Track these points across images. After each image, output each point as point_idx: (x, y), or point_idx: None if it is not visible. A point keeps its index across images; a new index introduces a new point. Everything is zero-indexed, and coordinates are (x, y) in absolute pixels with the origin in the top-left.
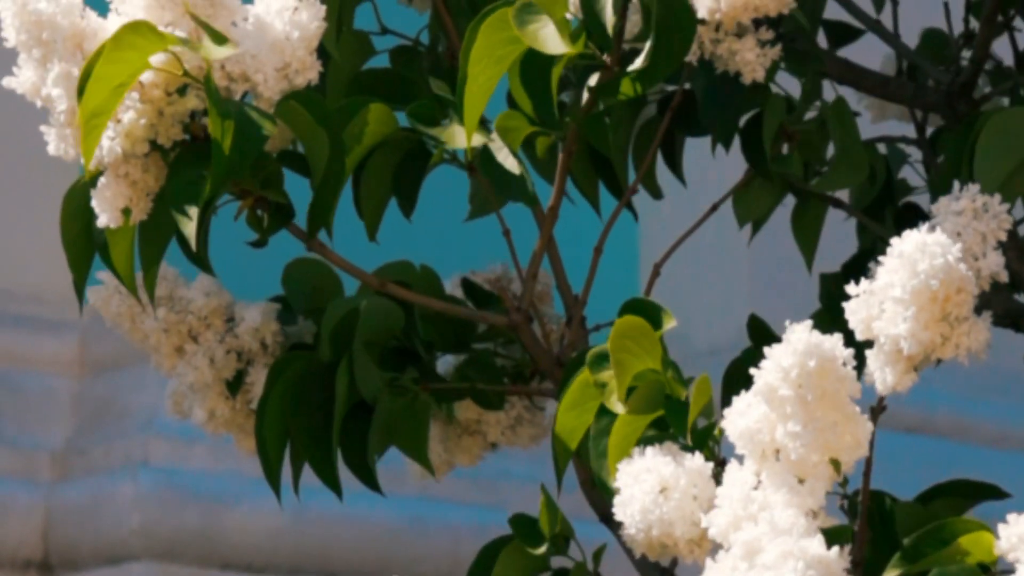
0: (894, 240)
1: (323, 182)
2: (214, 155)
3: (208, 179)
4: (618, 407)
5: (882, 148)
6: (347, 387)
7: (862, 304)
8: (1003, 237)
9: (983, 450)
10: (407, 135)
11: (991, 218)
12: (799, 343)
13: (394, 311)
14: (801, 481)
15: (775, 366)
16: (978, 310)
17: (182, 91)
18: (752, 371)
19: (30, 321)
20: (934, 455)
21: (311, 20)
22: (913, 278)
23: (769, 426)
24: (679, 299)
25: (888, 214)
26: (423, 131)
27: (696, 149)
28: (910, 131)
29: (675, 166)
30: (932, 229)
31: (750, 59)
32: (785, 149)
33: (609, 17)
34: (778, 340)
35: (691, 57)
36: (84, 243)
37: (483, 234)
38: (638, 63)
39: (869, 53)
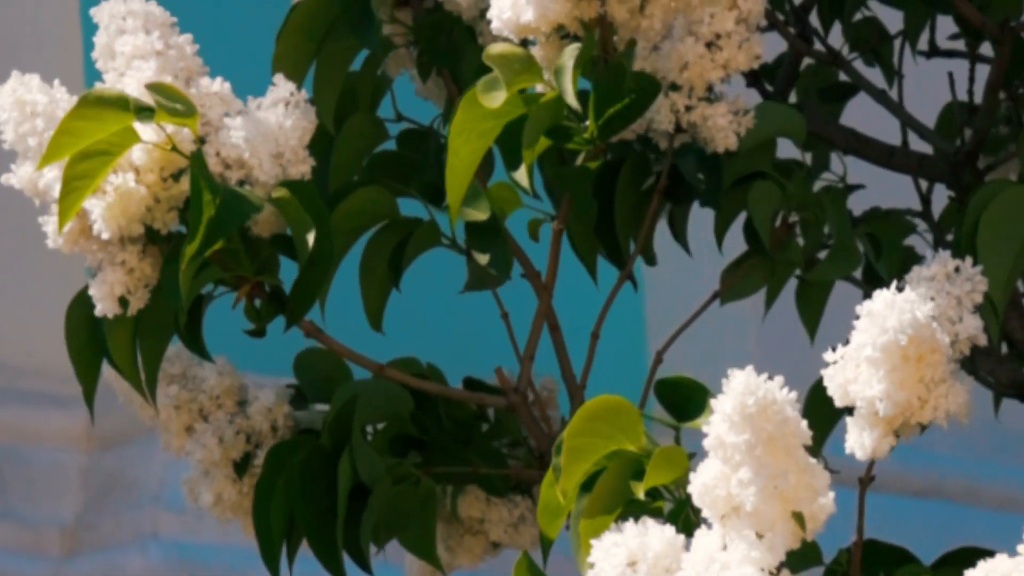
0: (865, 301)
1: (308, 266)
2: (190, 222)
3: (188, 252)
4: (559, 496)
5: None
6: (350, 474)
7: (838, 370)
8: (979, 300)
9: (993, 514)
10: (408, 219)
11: (964, 281)
12: (738, 385)
13: (399, 395)
14: (760, 536)
15: (720, 414)
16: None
17: (177, 176)
18: (702, 426)
19: (38, 396)
20: (944, 519)
21: (303, 118)
22: (882, 335)
23: (724, 481)
24: (688, 361)
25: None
26: (426, 206)
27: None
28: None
29: (678, 235)
30: (903, 286)
31: (722, 125)
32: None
33: (567, 87)
34: None
35: (666, 125)
36: (91, 352)
37: (486, 316)
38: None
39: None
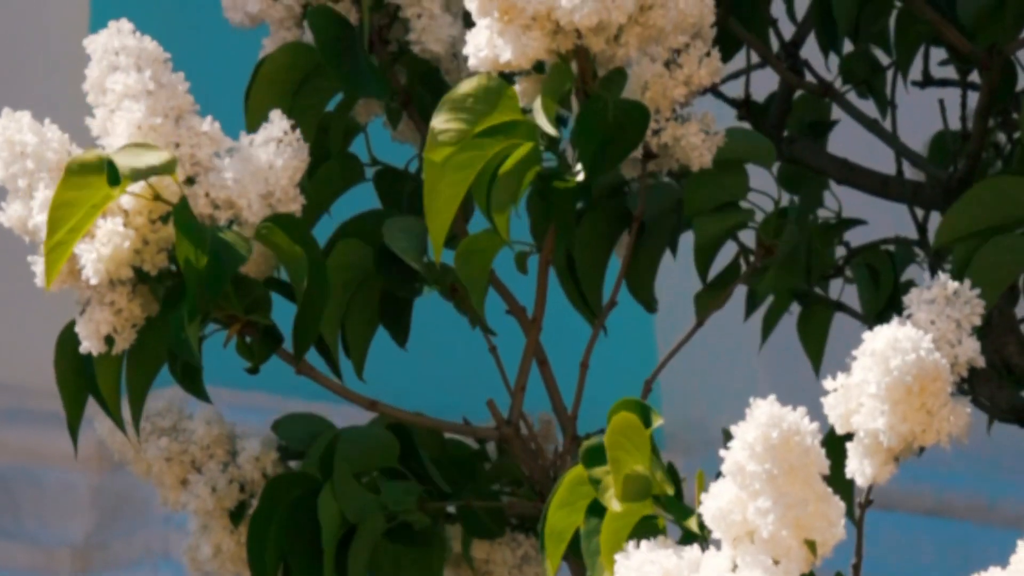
0: (866, 336)
1: (305, 303)
2: (187, 281)
3: (184, 307)
4: (614, 504)
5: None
6: (336, 510)
7: (840, 399)
8: (977, 322)
9: (1004, 532)
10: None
11: (963, 304)
12: (762, 416)
13: (385, 438)
14: (776, 563)
15: (740, 442)
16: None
17: (166, 219)
18: (721, 452)
19: (49, 417)
20: (954, 538)
21: (294, 155)
22: (886, 375)
23: (740, 506)
24: (695, 384)
25: (896, 317)
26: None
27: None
28: None
29: (640, 283)
30: (904, 321)
31: (696, 143)
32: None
33: (545, 123)
34: None
35: (635, 154)
36: (78, 383)
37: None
38: (579, 174)
39: (864, 149)
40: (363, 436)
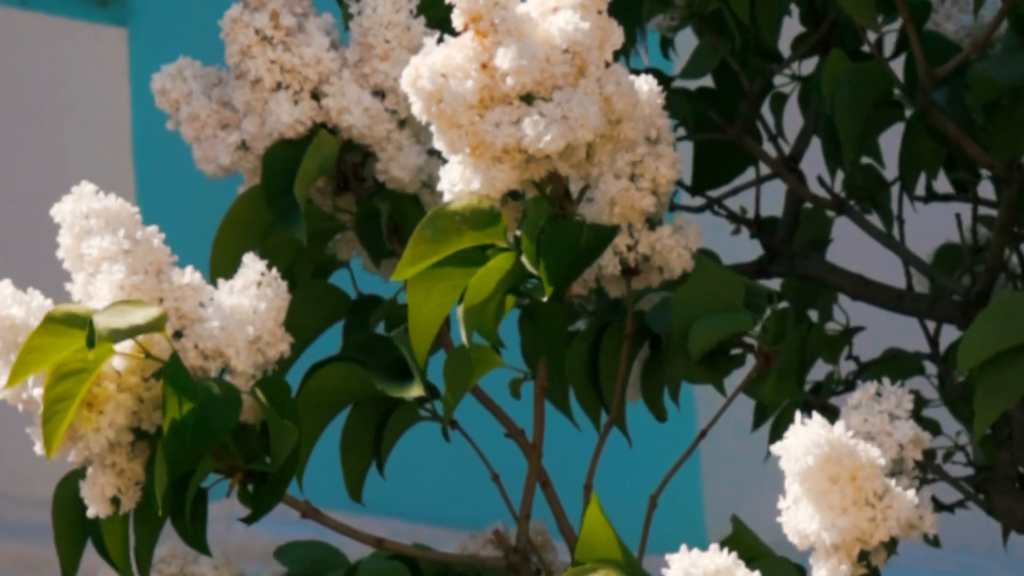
0: (782, 441)
1: (282, 470)
2: (166, 443)
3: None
4: None
5: None
6: None
7: (791, 515)
8: (909, 408)
9: None
10: (385, 397)
11: (890, 396)
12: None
13: (398, 569)
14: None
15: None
16: (1002, 519)
17: (159, 375)
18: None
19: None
20: None
21: (275, 296)
22: (795, 463)
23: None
24: (732, 497)
25: None
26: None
27: None
28: None
29: (652, 395)
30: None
31: (671, 244)
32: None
33: (528, 263)
34: None
35: (612, 269)
36: (76, 532)
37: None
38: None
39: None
40: (378, 569)
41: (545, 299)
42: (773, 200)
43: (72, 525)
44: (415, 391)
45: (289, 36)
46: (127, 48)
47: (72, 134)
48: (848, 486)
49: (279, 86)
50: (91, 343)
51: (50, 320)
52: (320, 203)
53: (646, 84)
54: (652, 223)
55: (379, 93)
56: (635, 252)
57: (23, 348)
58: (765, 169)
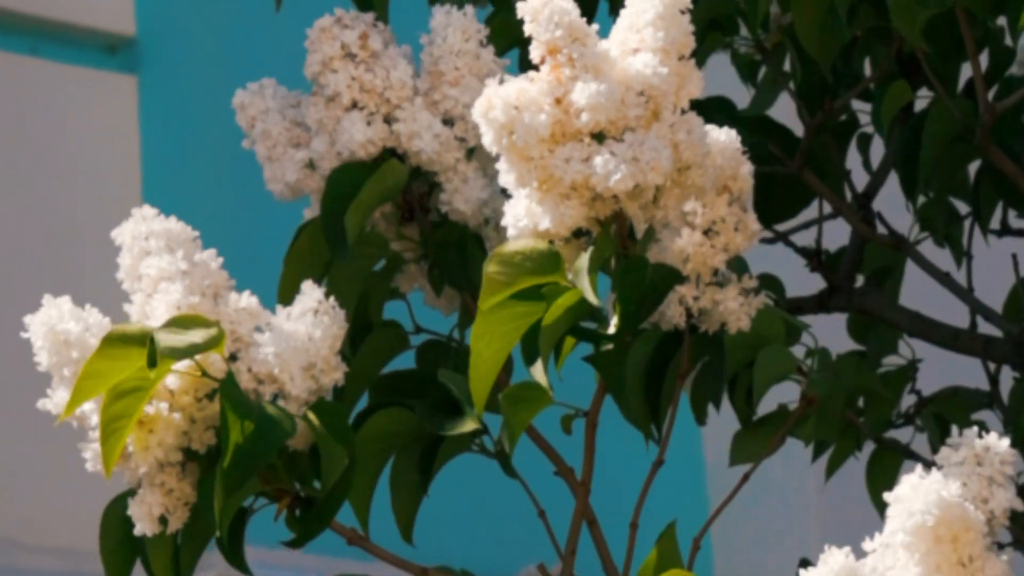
0: (896, 488)
1: (331, 494)
2: (226, 456)
3: (222, 480)
4: None
5: None
6: None
7: (878, 559)
8: (1010, 472)
9: None
10: (427, 432)
11: (993, 457)
12: (835, 564)
13: None
14: None
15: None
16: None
17: (212, 396)
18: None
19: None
20: None
21: (332, 324)
22: (910, 518)
23: None
24: (745, 530)
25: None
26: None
27: None
28: None
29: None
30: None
31: (733, 308)
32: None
33: (587, 288)
34: None
35: (678, 319)
36: (124, 553)
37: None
38: (612, 327)
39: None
40: None
41: (619, 336)
42: (843, 232)
43: (120, 546)
44: (469, 426)
45: (373, 58)
46: (137, 96)
47: (81, 182)
48: (951, 546)
49: (354, 105)
50: (152, 362)
51: (107, 343)
52: (385, 231)
53: (724, 135)
54: (718, 274)
55: (448, 121)
56: (697, 304)
57: (81, 373)
58: None
